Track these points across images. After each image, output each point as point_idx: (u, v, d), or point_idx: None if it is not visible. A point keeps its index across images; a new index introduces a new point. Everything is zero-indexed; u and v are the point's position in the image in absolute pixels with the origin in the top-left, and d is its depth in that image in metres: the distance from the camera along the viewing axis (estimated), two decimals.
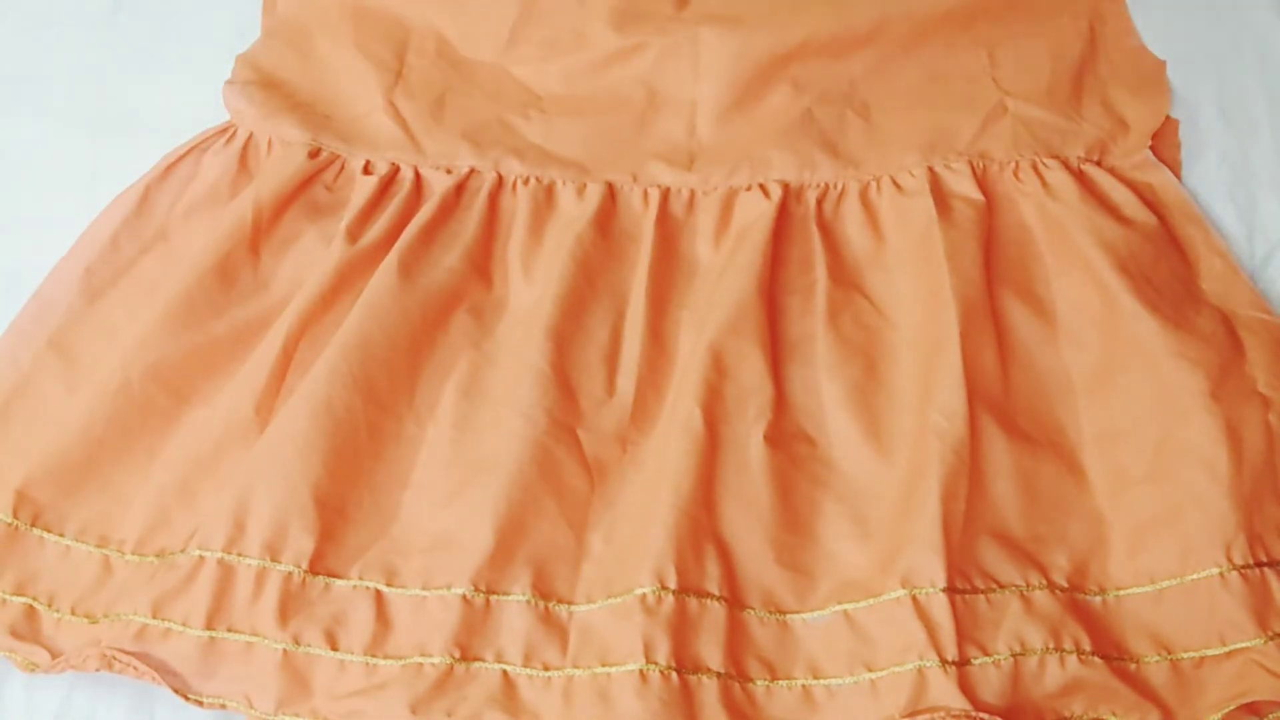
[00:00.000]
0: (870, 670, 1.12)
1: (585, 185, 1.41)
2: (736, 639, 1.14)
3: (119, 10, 1.57)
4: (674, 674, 1.10)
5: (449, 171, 1.41)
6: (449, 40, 1.51)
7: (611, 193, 1.41)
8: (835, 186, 1.40)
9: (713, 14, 1.48)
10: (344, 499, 1.21)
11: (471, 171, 1.42)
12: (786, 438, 1.24)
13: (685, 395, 1.24)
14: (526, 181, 1.41)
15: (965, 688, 1.08)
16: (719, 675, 1.11)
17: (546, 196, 1.41)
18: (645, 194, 1.41)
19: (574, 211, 1.39)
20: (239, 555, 1.16)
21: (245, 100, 1.45)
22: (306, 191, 1.40)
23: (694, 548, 1.16)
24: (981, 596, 1.14)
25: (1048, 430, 1.25)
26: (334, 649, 1.14)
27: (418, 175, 1.42)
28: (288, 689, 1.12)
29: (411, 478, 1.24)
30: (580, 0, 1.51)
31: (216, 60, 1.50)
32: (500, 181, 1.42)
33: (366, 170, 1.42)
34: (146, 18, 1.57)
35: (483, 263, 1.37)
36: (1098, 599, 1.17)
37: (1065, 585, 1.16)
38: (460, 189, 1.41)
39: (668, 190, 1.41)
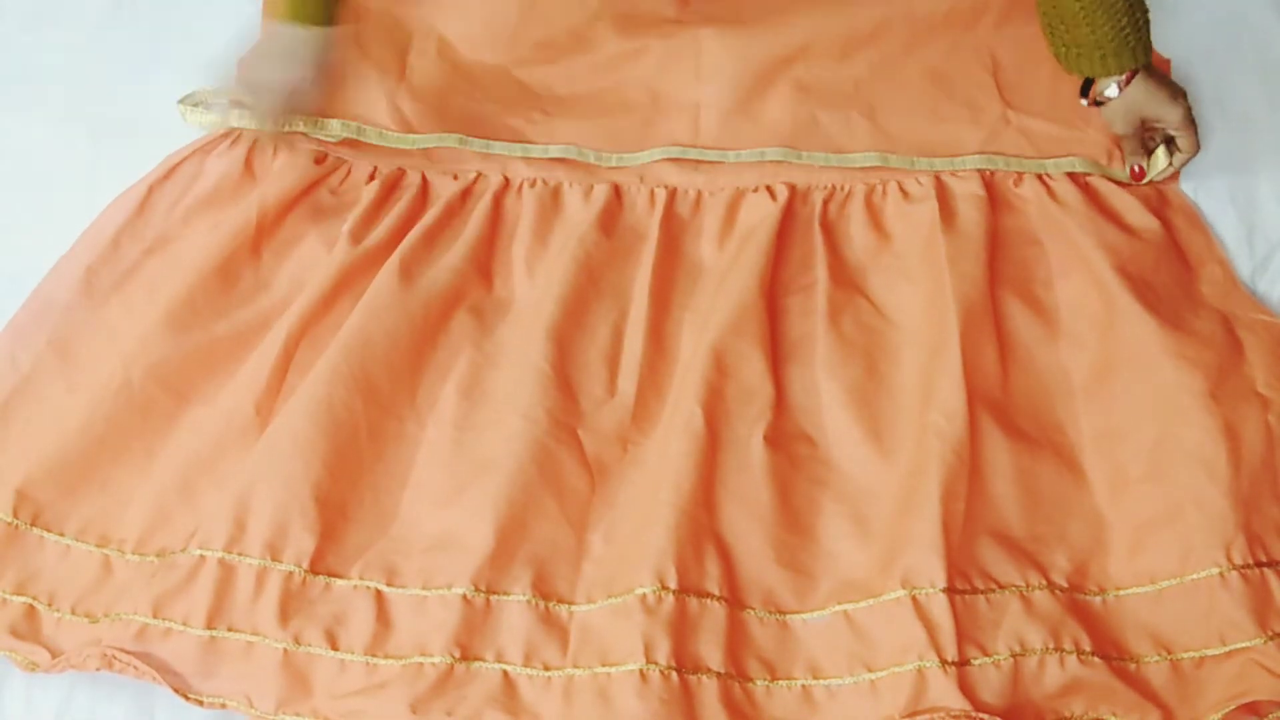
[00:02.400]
0: (870, 670, 1.12)
1: (592, 187, 1.41)
2: (736, 639, 1.14)
3: (119, 10, 1.57)
4: (674, 674, 1.10)
5: (455, 177, 1.42)
6: (450, 42, 1.51)
7: (618, 194, 1.41)
8: (842, 189, 1.40)
9: (713, 16, 1.48)
10: (345, 499, 1.21)
11: (478, 176, 1.42)
12: (787, 438, 1.24)
13: (686, 395, 1.24)
14: (533, 184, 1.41)
15: (965, 688, 1.08)
16: (719, 675, 1.11)
17: (553, 199, 1.41)
18: (652, 194, 1.41)
19: (579, 214, 1.39)
20: (240, 555, 1.16)
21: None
22: (311, 195, 1.40)
23: (694, 548, 1.16)
24: (981, 597, 1.14)
25: (1048, 430, 1.25)
26: (334, 649, 1.14)
27: (424, 180, 1.42)
28: (288, 688, 1.12)
29: (412, 477, 1.24)
30: (581, 2, 1.51)
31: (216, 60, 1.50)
32: (506, 185, 1.42)
33: (372, 175, 1.42)
34: (146, 18, 1.57)
35: (485, 264, 1.37)
36: (1098, 599, 1.17)
37: (1065, 585, 1.16)
38: (466, 194, 1.41)
39: (674, 191, 1.41)
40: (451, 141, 1.43)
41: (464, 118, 1.45)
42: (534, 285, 1.35)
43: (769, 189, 1.40)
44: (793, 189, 1.40)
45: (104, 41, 1.55)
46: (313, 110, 1.42)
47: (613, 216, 1.39)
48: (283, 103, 1.39)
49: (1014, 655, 1.11)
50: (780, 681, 1.13)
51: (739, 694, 1.12)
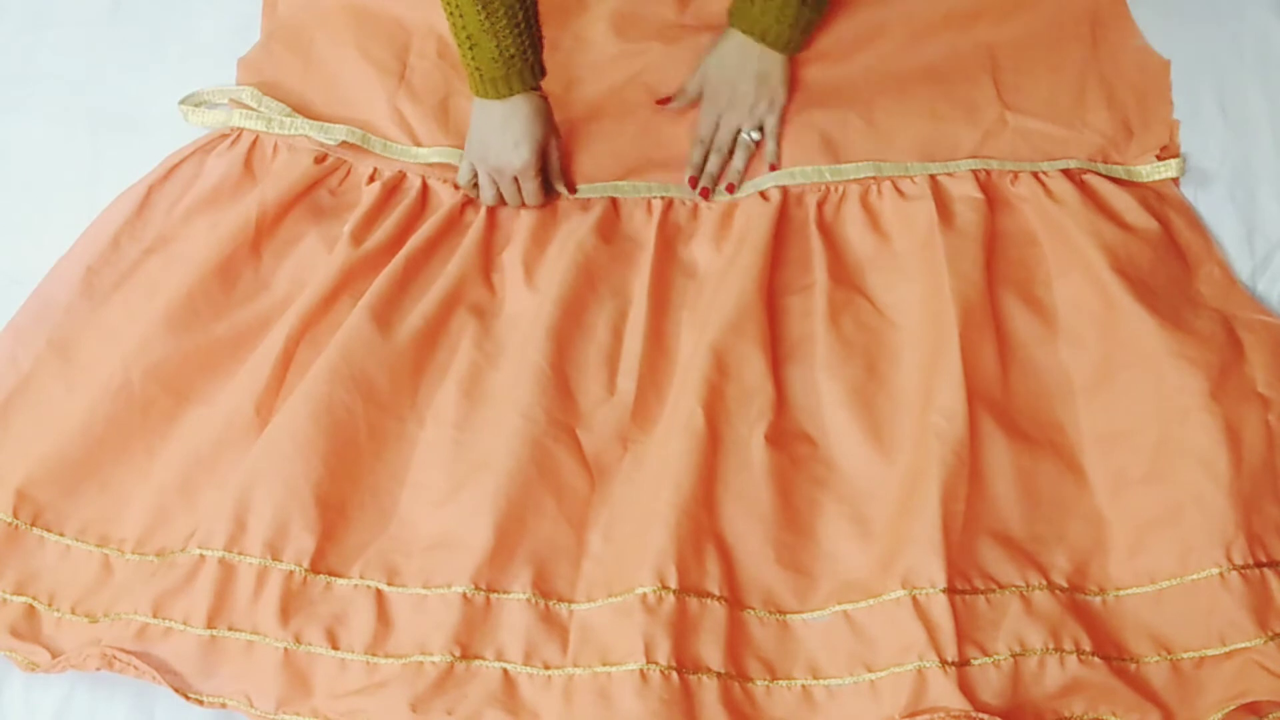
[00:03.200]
0: (870, 670, 1.12)
1: (589, 198, 1.41)
2: (737, 639, 1.14)
3: (119, 10, 1.58)
4: (674, 674, 1.10)
5: (456, 187, 1.42)
6: (450, 42, 1.51)
7: (614, 204, 1.41)
8: (836, 190, 1.40)
9: (714, 21, 1.48)
10: (344, 498, 1.21)
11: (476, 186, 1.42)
12: (787, 438, 1.24)
13: (687, 395, 1.24)
14: None
15: (965, 688, 1.08)
16: (719, 675, 1.11)
17: (552, 208, 1.41)
18: (648, 204, 1.41)
19: (577, 221, 1.39)
20: (240, 554, 1.16)
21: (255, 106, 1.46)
22: (310, 195, 1.41)
23: (695, 547, 1.16)
24: (981, 597, 1.14)
25: (1047, 430, 1.25)
26: (335, 648, 1.14)
27: (424, 184, 1.42)
28: (288, 688, 1.12)
29: (411, 477, 1.24)
30: (581, 3, 1.51)
31: (216, 60, 1.50)
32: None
33: (372, 177, 1.42)
34: (146, 18, 1.57)
35: (484, 268, 1.37)
36: (1098, 599, 1.17)
37: (1065, 585, 1.16)
38: (467, 203, 1.41)
39: (670, 200, 1.41)
40: (453, 158, 1.43)
41: (464, 122, 1.45)
42: (533, 288, 1.35)
43: (762, 193, 1.40)
44: (785, 191, 1.40)
45: (104, 41, 1.55)
46: (560, 177, 1.41)
47: (610, 225, 1.39)
48: (536, 181, 1.37)
49: (1014, 655, 1.11)
50: (780, 682, 1.13)
51: (739, 694, 1.12)
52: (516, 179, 1.37)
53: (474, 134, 1.38)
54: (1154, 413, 1.23)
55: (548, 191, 1.41)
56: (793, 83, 1.45)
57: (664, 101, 1.45)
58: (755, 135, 1.43)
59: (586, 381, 1.28)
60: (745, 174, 1.42)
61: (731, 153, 1.43)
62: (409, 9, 1.53)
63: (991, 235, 1.35)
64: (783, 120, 1.43)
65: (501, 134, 1.35)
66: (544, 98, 1.37)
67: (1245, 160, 1.42)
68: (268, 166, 1.43)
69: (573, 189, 1.41)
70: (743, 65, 1.42)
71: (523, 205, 1.40)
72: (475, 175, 1.39)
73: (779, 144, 1.43)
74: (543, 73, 1.35)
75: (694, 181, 1.41)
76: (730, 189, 1.41)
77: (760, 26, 1.40)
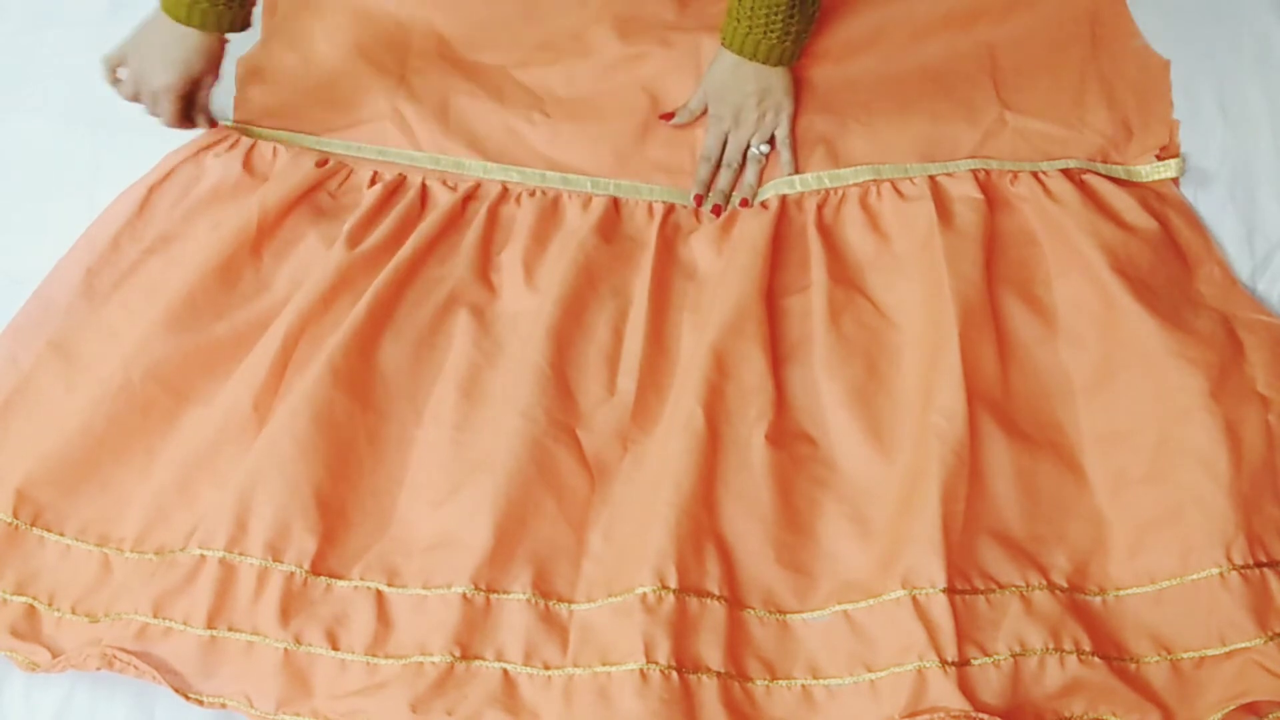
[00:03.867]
0: (870, 670, 1.12)
1: (591, 198, 1.41)
2: (737, 639, 1.14)
3: (119, 10, 1.57)
4: (674, 673, 1.10)
5: (455, 188, 1.42)
6: (450, 42, 1.51)
7: (616, 206, 1.41)
8: (836, 192, 1.40)
9: (713, 22, 1.48)
10: (345, 500, 1.21)
11: (478, 184, 1.42)
12: (788, 438, 1.24)
13: (687, 395, 1.24)
14: (532, 194, 1.41)
15: (965, 688, 1.08)
16: (719, 675, 1.11)
17: (552, 207, 1.41)
18: (650, 207, 1.41)
19: (578, 221, 1.39)
20: (241, 555, 1.16)
21: (258, 108, 1.46)
22: (312, 197, 1.40)
23: (695, 547, 1.16)
24: (981, 597, 1.14)
25: (1048, 430, 1.25)
26: (335, 649, 1.14)
27: (423, 186, 1.42)
28: (288, 688, 1.12)
29: (411, 478, 1.24)
30: (581, 4, 1.51)
31: None
32: (505, 193, 1.42)
33: (373, 180, 1.42)
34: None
35: (484, 267, 1.37)
36: (1098, 599, 1.17)
37: (1065, 585, 1.16)
38: (466, 201, 1.41)
39: (671, 205, 1.41)
40: (449, 165, 1.43)
41: (464, 123, 1.45)
42: (533, 287, 1.35)
43: (762, 202, 1.40)
44: (785, 196, 1.40)
45: (104, 41, 1.55)
46: (205, 112, 1.42)
47: (612, 225, 1.39)
48: (175, 105, 1.39)
49: (1014, 655, 1.11)
50: (780, 681, 1.13)
51: (739, 694, 1.12)
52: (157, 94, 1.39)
53: (143, 34, 1.39)
54: (1154, 413, 1.23)
55: (189, 120, 1.42)
56: (796, 86, 1.45)
57: (667, 116, 1.45)
58: (765, 149, 1.42)
59: (586, 381, 1.28)
60: (758, 187, 1.42)
61: (743, 168, 1.43)
62: (409, 9, 1.53)
63: (991, 235, 1.35)
64: (792, 128, 1.43)
65: (161, 50, 1.37)
66: (221, 42, 1.38)
67: (1245, 160, 1.42)
68: (268, 167, 1.42)
69: (212, 125, 1.43)
70: (741, 85, 1.42)
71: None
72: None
73: (794, 153, 1.42)
74: (232, 27, 1.36)
75: (699, 200, 1.41)
76: (744, 204, 1.40)
77: (751, 44, 1.39)
